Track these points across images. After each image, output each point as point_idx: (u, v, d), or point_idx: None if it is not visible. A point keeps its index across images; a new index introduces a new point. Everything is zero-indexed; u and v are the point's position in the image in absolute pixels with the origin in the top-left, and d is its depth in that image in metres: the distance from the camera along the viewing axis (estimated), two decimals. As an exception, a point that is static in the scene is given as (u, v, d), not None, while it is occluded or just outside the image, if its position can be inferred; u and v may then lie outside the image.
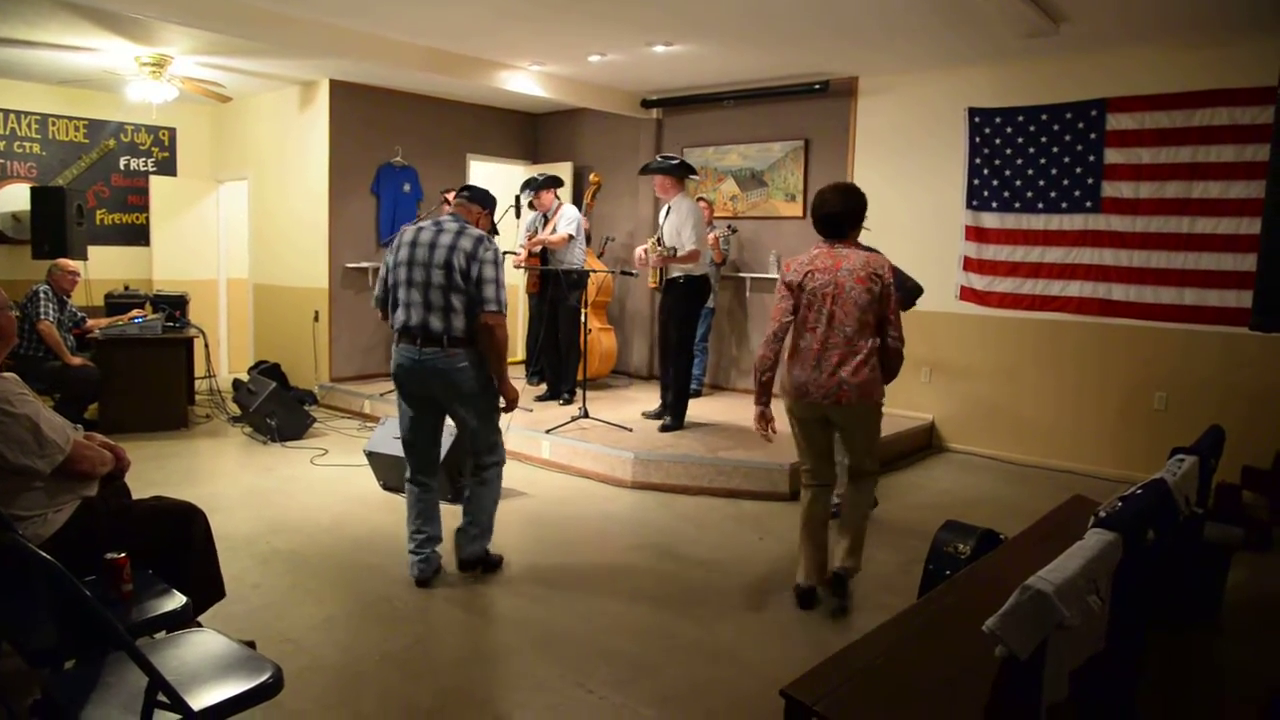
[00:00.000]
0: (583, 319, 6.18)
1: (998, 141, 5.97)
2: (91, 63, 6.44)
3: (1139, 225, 5.45)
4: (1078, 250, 5.69)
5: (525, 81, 6.85)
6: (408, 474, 3.66)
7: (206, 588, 2.71)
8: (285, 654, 2.88)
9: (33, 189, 7.11)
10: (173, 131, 8.41)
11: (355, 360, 7.57)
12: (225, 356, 8.60)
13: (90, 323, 6.25)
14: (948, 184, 6.20)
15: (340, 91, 7.19)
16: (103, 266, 7.69)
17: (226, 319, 8.66)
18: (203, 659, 1.98)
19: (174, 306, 6.73)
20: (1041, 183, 5.80)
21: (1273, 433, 4.86)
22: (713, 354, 7.36)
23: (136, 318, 6.30)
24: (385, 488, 4.90)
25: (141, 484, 3.28)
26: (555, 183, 6.61)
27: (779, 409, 3.46)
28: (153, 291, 7.39)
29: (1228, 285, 5.14)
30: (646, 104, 7.71)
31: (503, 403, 3.59)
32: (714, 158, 7.53)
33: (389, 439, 4.66)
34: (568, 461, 5.45)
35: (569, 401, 6.41)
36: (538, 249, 6.52)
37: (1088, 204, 5.63)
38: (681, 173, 5.65)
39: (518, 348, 8.45)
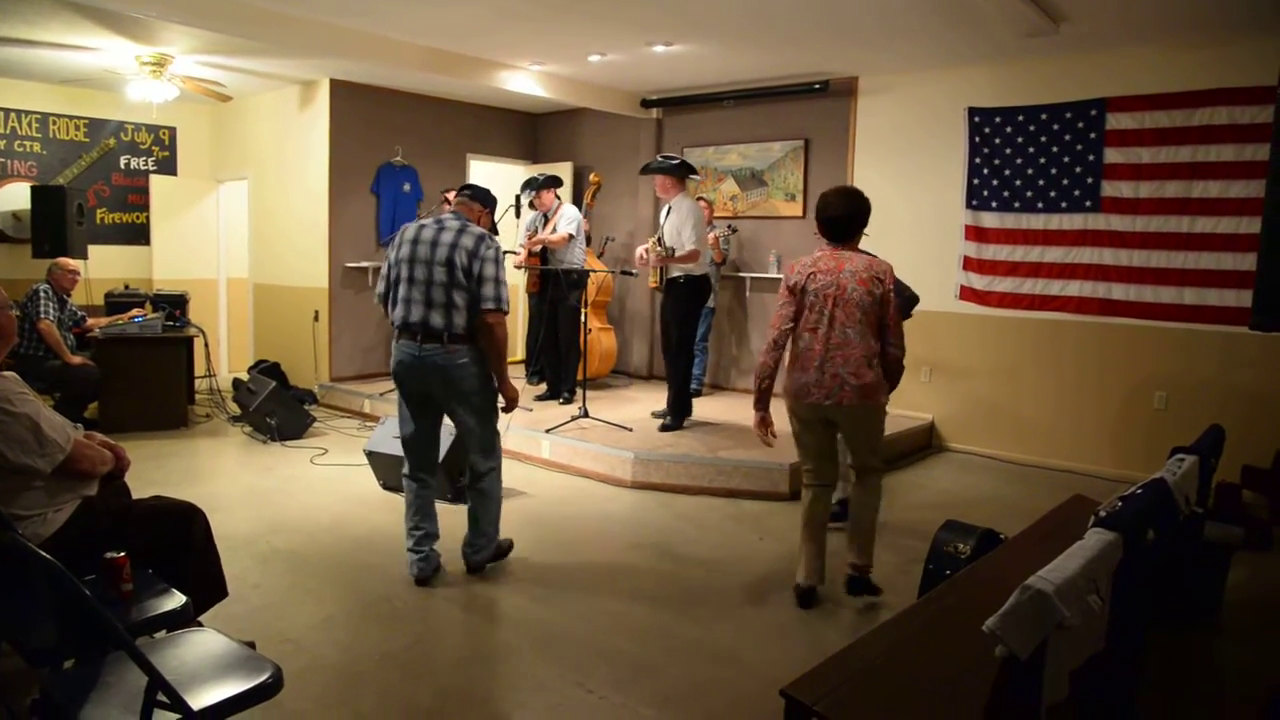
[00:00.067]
0: (583, 319, 6.18)
1: (997, 141, 5.97)
2: (92, 62, 6.44)
3: (1139, 225, 5.45)
4: (1077, 250, 5.69)
5: (525, 81, 6.85)
6: (405, 470, 3.66)
7: (207, 587, 2.71)
8: (285, 654, 2.88)
9: (33, 188, 7.10)
10: (173, 131, 8.41)
11: (355, 360, 7.57)
12: (225, 356, 8.60)
13: (90, 322, 6.25)
14: (947, 184, 6.20)
15: (340, 91, 7.20)
16: (103, 266, 7.69)
17: (226, 318, 8.66)
18: (202, 659, 1.97)
19: (174, 306, 6.74)
20: (1041, 182, 5.80)
21: (1273, 432, 4.86)
22: (713, 354, 7.36)
23: (136, 317, 6.30)
24: (385, 487, 4.90)
25: (141, 483, 3.29)
26: (555, 182, 6.61)
27: (780, 411, 3.46)
28: (153, 291, 7.38)
29: (1228, 285, 5.14)
30: (646, 104, 7.70)
31: (502, 402, 3.60)
32: (714, 157, 7.52)
33: (389, 438, 4.66)
34: (568, 461, 5.46)
35: (569, 401, 6.41)
36: (538, 249, 6.52)
37: (1087, 203, 5.63)
38: (682, 172, 5.65)
39: (517, 347, 8.45)
